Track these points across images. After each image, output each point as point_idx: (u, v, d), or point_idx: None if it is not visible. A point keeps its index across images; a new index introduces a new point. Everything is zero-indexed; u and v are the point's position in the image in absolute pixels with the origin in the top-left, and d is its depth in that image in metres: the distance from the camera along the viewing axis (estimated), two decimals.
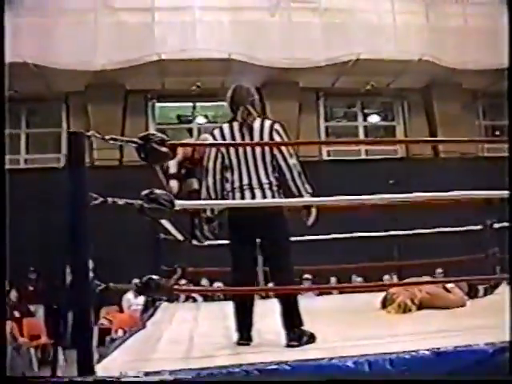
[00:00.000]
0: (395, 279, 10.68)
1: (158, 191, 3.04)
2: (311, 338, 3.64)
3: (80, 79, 12.81)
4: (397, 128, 14.89)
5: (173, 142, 3.21)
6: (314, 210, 3.93)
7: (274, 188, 3.88)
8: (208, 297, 9.83)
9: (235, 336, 3.78)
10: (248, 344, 3.72)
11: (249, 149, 3.88)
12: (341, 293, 8.09)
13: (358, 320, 4.65)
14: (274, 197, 3.86)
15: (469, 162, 13.08)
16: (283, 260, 3.87)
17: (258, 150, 3.88)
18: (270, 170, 3.88)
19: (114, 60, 12.37)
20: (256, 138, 3.90)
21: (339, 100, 15.03)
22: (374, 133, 15.18)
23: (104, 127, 12.47)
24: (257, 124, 3.92)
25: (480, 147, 13.93)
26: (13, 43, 11.44)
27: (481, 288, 5.90)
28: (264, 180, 3.86)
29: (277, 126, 3.93)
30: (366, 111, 15.18)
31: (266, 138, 3.89)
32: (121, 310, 11.17)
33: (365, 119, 15.16)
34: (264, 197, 3.84)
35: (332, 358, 2.95)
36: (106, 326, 10.72)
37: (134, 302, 10.43)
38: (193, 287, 7.24)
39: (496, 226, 6.83)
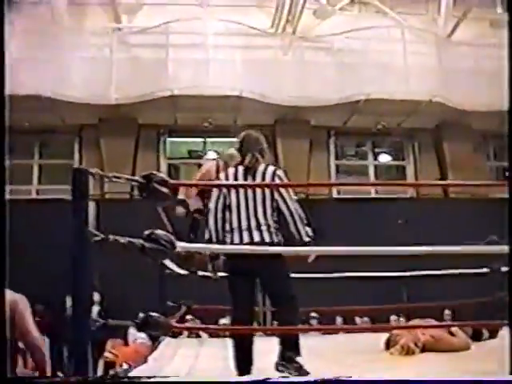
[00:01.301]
0: (403, 320, 10.56)
1: (158, 232, 3.07)
2: (302, 369, 3.66)
3: (94, 113, 12.96)
4: (407, 168, 14.86)
5: (173, 181, 3.25)
6: None
7: (272, 230, 3.99)
8: (213, 333, 9.73)
9: (234, 374, 3.77)
10: None
11: (250, 191, 4.01)
12: (347, 332, 8.02)
13: (357, 361, 4.62)
14: (271, 238, 3.96)
15: (479, 202, 12.96)
16: (285, 296, 3.92)
17: (258, 192, 4.01)
18: (269, 212, 4.00)
19: (127, 94, 12.52)
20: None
21: (350, 139, 15.05)
22: (385, 172, 15.17)
23: (116, 160, 12.60)
24: (260, 169, 4.10)
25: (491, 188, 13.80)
26: (29, 76, 11.67)
27: (485, 331, 5.86)
28: (262, 221, 3.96)
29: (279, 172, 4.13)
30: (376, 150, 15.17)
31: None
32: (126, 344, 11.11)
33: (375, 158, 15.16)
34: (262, 238, 3.94)
35: None
36: (111, 359, 10.70)
37: (138, 335, 10.36)
38: (190, 325, 7.22)
39: (504, 269, 6.78)
